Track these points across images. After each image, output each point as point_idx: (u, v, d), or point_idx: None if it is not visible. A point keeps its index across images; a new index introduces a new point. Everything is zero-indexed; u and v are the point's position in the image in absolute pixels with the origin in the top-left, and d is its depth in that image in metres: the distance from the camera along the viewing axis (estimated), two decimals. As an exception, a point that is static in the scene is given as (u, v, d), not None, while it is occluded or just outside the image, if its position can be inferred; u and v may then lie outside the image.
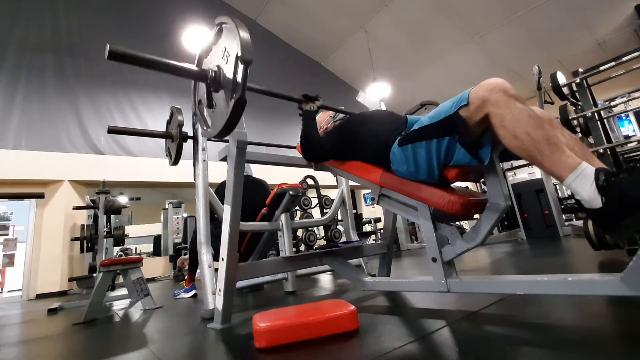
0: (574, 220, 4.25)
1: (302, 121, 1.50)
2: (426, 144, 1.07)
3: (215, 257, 1.68)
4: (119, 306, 2.52)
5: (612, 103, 3.64)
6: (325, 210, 3.96)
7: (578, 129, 2.48)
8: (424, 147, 1.08)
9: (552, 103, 3.03)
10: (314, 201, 4.14)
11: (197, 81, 1.23)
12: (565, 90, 2.64)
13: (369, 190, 1.42)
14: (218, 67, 1.09)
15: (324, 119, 1.77)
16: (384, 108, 2.53)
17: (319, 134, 1.55)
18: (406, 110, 2.12)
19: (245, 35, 0.98)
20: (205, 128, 1.22)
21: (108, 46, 0.94)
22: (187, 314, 1.88)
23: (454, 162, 1.03)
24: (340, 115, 1.76)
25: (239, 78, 0.98)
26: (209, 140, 2.11)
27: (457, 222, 4.78)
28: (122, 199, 7.66)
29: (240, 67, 0.97)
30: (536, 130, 0.82)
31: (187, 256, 6.02)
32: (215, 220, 2.19)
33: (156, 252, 7.46)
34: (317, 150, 1.48)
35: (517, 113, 0.84)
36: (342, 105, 1.84)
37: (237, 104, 1.00)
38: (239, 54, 0.96)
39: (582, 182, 0.77)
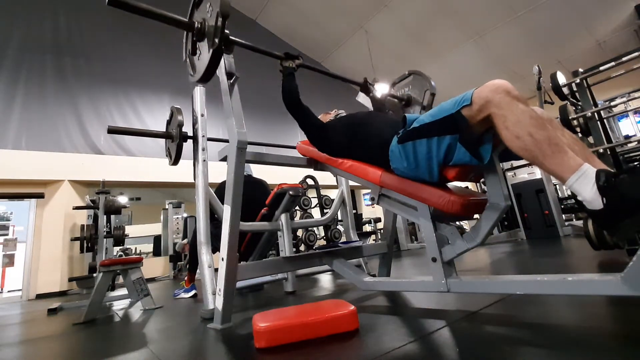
0: (574, 220, 4.25)
1: (282, 76, 1.61)
2: (427, 141, 1.07)
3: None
4: (119, 306, 2.52)
5: (612, 103, 3.65)
6: (325, 210, 3.96)
7: (578, 129, 2.48)
8: (424, 145, 1.08)
9: (552, 103, 3.04)
10: (314, 201, 4.14)
11: (186, 30, 1.37)
12: (565, 90, 2.65)
13: (368, 190, 1.42)
14: (203, 19, 1.26)
15: (325, 120, 1.77)
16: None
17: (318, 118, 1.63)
18: (394, 79, 2.16)
19: None
20: (191, 74, 1.39)
21: None
22: (187, 314, 1.88)
23: (454, 161, 1.03)
24: (341, 116, 1.77)
25: (218, 30, 1.15)
26: (209, 140, 2.11)
27: (457, 222, 4.79)
28: (122, 199, 7.67)
29: (219, 20, 1.14)
30: (538, 131, 0.83)
31: (186, 241, 6.04)
32: (215, 220, 2.19)
33: (156, 252, 7.46)
34: (293, 100, 1.58)
35: (520, 114, 0.85)
36: (342, 105, 1.85)
37: (215, 53, 1.19)
38: (218, 10, 1.14)
39: (584, 183, 0.77)
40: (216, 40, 1.16)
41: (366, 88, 2.03)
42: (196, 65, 1.36)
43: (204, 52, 1.26)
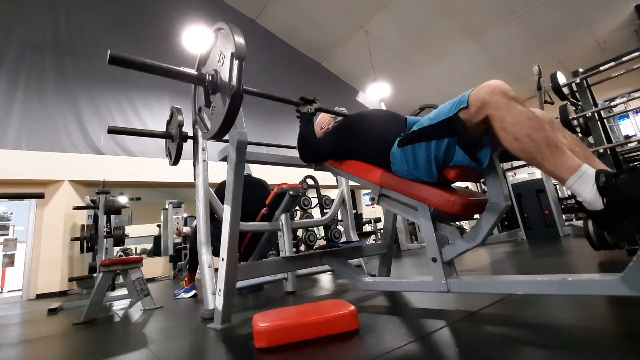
0: (574, 220, 4.25)
1: (300, 124, 1.53)
2: (426, 144, 1.07)
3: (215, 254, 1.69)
4: (119, 306, 2.52)
5: (612, 103, 3.65)
6: (325, 210, 3.96)
7: (578, 129, 2.48)
8: (423, 148, 1.08)
9: (552, 103, 3.04)
10: (314, 201, 4.14)
11: (196, 84, 1.28)
12: (565, 90, 2.65)
13: (369, 190, 1.42)
14: (215, 70, 1.15)
15: (324, 120, 1.77)
16: (383, 108, 2.53)
17: (317, 134, 1.56)
18: (407, 114, 2.14)
19: (239, 36, 1.04)
20: (205, 131, 1.28)
21: (109, 52, 0.98)
22: (187, 314, 1.88)
23: (454, 162, 1.03)
24: (340, 119, 1.76)
25: (235, 73, 1.03)
26: (209, 140, 2.11)
27: (457, 222, 4.79)
28: (122, 199, 7.67)
29: (235, 62, 1.03)
30: (537, 131, 0.82)
31: (187, 228, 6.04)
32: (215, 220, 2.19)
33: (156, 252, 7.46)
34: (314, 153, 1.51)
35: (517, 115, 0.84)
36: (343, 105, 1.84)
37: (234, 99, 1.05)
38: (234, 51, 1.03)
39: (583, 184, 0.77)
40: (234, 87, 1.03)
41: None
42: (209, 119, 1.24)
43: (219, 106, 1.15)
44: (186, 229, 6.14)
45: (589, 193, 0.76)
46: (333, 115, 1.77)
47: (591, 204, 0.76)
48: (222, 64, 1.11)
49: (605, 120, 2.49)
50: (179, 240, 6.23)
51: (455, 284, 1.10)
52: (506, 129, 0.85)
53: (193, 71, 1.19)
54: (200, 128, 1.34)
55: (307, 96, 1.57)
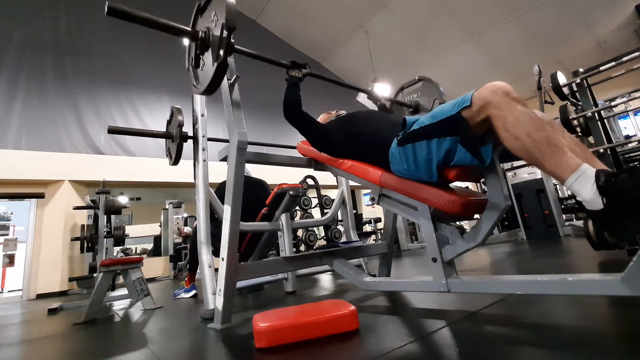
0: (574, 220, 4.25)
1: (287, 86, 1.58)
2: (427, 143, 1.07)
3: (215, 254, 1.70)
4: (119, 306, 2.52)
5: (612, 103, 3.64)
6: (325, 210, 3.96)
7: (578, 129, 2.48)
8: (424, 147, 1.08)
9: (553, 103, 3.04)
10: (314, 201, 4.14)
11: (190, 40, 1.33)
12: (566, 90, 2.65)
13: (369, 190, 1.42)
14: (208, 28, 1.20)
15: (326, 120, 1.77)
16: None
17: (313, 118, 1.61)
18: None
19: (231, 3, 1.08)
20: (195, 84, 1.34)
21: (107, 2, 1.00)
22: (187, 314, 1.88)
23: (455, 162, 1.03)
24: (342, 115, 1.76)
25: (223, 44, 1.09)
26: (209, 140, 2.11)
27: (457, 222, 4.79)
28: (122, 199, 7.67)
29: (225, 33, 1.08)
30: (537, 131, 0.83)
31: (188, 228, 6.04)
32: (215, 220, 2.19)
33: (156, 252, 7.46)
34: (293, 112, 1.54)
35: (519, 115, 0.85)
36: (343, 105, 1.84)
37: (219, 67, 1.13)
38: (224, 22, 1.07)
39: (583, 183, 0.77)
40: (221, 53, 1.09)
41: (373, 96, 2.01)
42: (199, 76, 1.30)
43: (208, 64, 1.19)
44: (187, 229, 6.14)
45: (588, 192, 0.76)
46: (333, 117, 1.78)
47: (591, 204, 0.77)
48: (215, 25, 1.16)
49: (605, 120, 2.49)
50: (179, 240, 6.23)
51: (455, 284, 1.10)
52: (507, 128, 0.86)
53: (188, 28, 1.25)
54: (191, 81, 1.39)
55: (298, 61, 1.62)
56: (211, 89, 1.22)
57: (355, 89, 2.03)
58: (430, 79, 2.09)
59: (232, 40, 1.16)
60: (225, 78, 1.44)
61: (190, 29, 1.24)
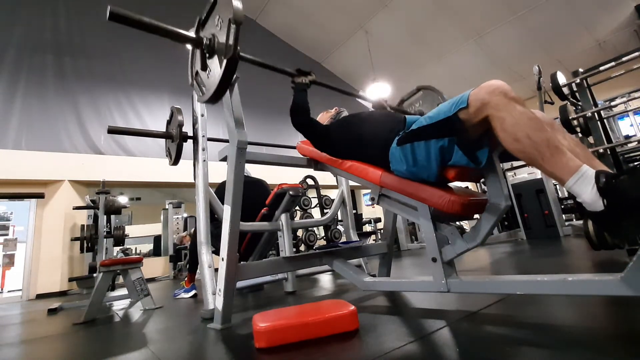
0: (574, 220, 4.25)
1: (294, 93, 1.55)
2: (425, 143, 1.07)
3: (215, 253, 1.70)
4: (119, 306, 2.52)
5: (612, 103, 3.64)
6: (325, 210, 3.96)
7: (578, 129, 2.47)
8: (422, 147, 1.08)
9: (552, 103, 3.03)
10: (314, 201, 4.14)
11: (194, 47, 1.30)
12: (566, 90, 2.64)
13: (369, 190, 1.42)
14: (213, 34, 1.17)
15: (324, 120, 1.77)
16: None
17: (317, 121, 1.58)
18: (403, 95, 2.14)
19: (237, 2, 1.05)
20: (201, 94, 1.29)
21: (109, 8, 0.98)
22: (187, 314, 1.88)
23: (452, 162, 1.03)
24: (341, 116, 1.76)
25: (232, 38, 1.05)
26: (209, 140, 2.11)
27: (457, 222, 4.79)
28: (122, 199, 7.67)
29: (233, 27, 1.05)
30: (537, 132, 0.82)
31: (185, 233, 6.03)
32: (215, 220, 2.19)
33: (156, 252, 7.46)
34: (303, 120, 1.52)
35: (517, 116, 0.84)
36: (343, 105, 1.84)
37: (229, 63, 1.08)
38: (231, 17, 1.04)
39: (583, 185, 0.77)
40: (230, 52, 1.05)
41: (380, 106, 1.98)
42: (205, 84, 1.26)
43: (215, 70, 1.16)
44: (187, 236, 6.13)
45: (589, 194, 0.76)
46: (333, 117, 1.78)
47: (591, 205, 0.76)
48: (220, 28, 1.13)
49: (605, 120, 2.49)
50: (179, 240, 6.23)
51: (455, 284, 1.10)
52: (506, 129, 0.85)
53: (191, 34, 1.21)
54: (196, 91, 1.35)
55: (303, 68, 1.60)
56: (218, 95, 1.18)
57: (364, 99, 2.01)
58: (430, 86, 2.08)
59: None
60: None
61: (194, 36, 1.20)
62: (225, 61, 1.08)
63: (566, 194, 4.55)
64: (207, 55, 1.20)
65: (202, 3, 1.24)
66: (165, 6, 6.40)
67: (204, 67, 1.23)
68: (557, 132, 0.98)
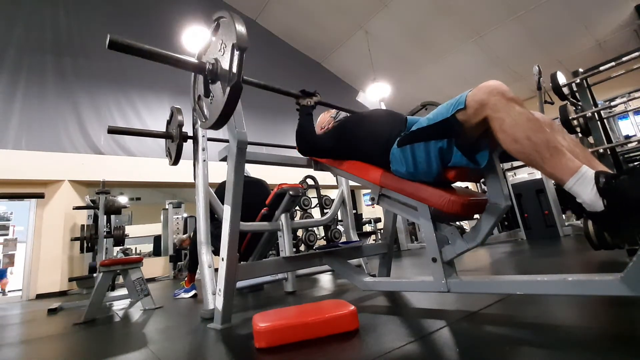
0: (574, 220, 4.25)
1: (299, 116, 1.54)
2: (424, 145, 1.07)
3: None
4: (119, 306, 2.52)
5: (612, 103, 3.64)
6: (325, 210, 3.96)
7: (578, 129, 2.47)
8: (422, 148, 1.08)
9: (552, 103, 3.03)
10: (314, 201, 4.14)
11: (196, 73, 1.27)
12: (565, 90, 2.64)
13: (369, 190, 1.42)
14: (215, 59, 1.14)
15: (325, 120, 1.77)
16: (383, 107, 2.53)
17: (318, 133, 1.56)
18: (407, 112, 2.13)
19: (241, 26, 1.03)
20: (203, 120, 1.27)
21: (108, 36, 0.96)
22: (187, 314, 1.88)
23: (452, 163, 1.03)
24: (342, 115, 1.76)
25: (235, 64, 1.02)
26: (209, 140, 2.11)
27: (457, 222, 4.79)
28: (122, 199, 7.66)
29: (236, 53, 1.02)
30: (536, 133, 0.82)
31: (185, 236, 6.04)
32: (215, 220, 2.19)
33: (156, 252, 7.46)
34: (312, 146, 1.52)
35: (516, 116, 0.84)
36: (342, 104, 1.84)
37: (233, 90, 1.04)
38: (235, 42, 1.01)
39: (583, 185, 0.76)
40: (234, 79, 1.02)
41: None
42: (208, 109, 1.22)
43: (218, 96, 1.13)
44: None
45: (589, 194, 0.76)
46: (333, 116, 1.77)
47: (591, 205, 0.76)
48: (223, 53, 1.10)
49: (605, 120, 2.49)
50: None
51: (455, 284, 1.10)
52: (505, 130, 0.85)
53: (193, 59, 1.18)
54: (198, 117, 1.33)
55: (307, 89, 1.59)
56: (221, 121, 1.14)
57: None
58: (434, 102, 2.08)
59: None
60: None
61: (196, 61, 1.17)
62: (228, 88, 1.04)
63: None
64: (210, 81, 1.16)
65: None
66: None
67: (207, 93, 1.19)
68: (557, 132, 0.98)
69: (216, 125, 1.17)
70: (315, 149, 1.52)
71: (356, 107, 1.91)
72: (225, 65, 1.07)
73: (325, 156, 1.56)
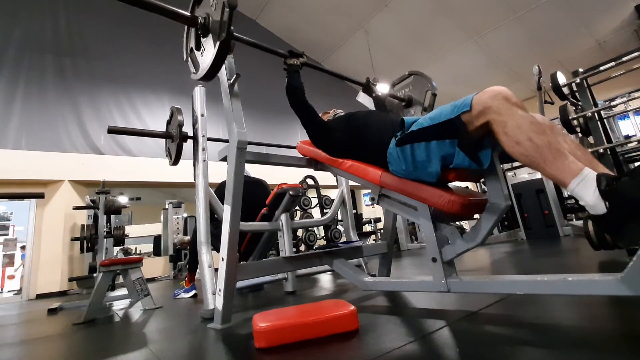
0: (574, 220, 4.25)
1: (287, 75, 1.58)
2: (425, 145, 1.07)
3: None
4: (119, 306, 2.52)
5: (612, 103, 3.64)
6: (325, 210, 3.96)
7: (578, 129, 2.47)
8: (422, 148, 1.08)
9: (552, 103, 3.03)
10: (314, 201, 4.14)
11: (189, 26, 1.33)
12: (565, 90, 2.64)
13: (368, 190, 1.42)
14: (207, 14, 1.21)
15: (325, 119, 1.77)
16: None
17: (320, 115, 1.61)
18: (394, 84, 2.16)
19: None
20: (194, 71, 1.32)
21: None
22: (187, 314, 1.88)
23: (454, 165, 1.03)
24: (341, 115, 1.77)
25: (225, 20, 1.09)
26: (209, 140, 2.11)
27: (457, 222, 4.79)
28: (122, 199, 7.65)
29: (226, 11, 1.09)
30: (538, 136, 0.82)
31: (188, 237, 6.03)
32: (215, 220, 2.19)
33: (156, 252, 7.46)
34: (299, 98, 1.54)
35: (519, 119, 0.85)
36: (343, 105, 1.85)
37: (222, 45, 1.13)
38: (225, 1, 1.09)
39: (585, 188, 0.77)
40: (223, 34, 1.09)
41: (369, 88, 2.02)
42: (199, 62, 1.30)
43: (209, 48, 1.21)
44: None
45: (591, 197, 0.76)
46: (330, 117, 1.79)
47: (594, 208, 0.76)
48: (214, 9, 1.16)
49: (605, 120, 2.49)
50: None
51: (455, 284, 1.10)
52: (507, 133, 0.85)
53: (187, 12, 1.24)
54: (190, 68, 1.38)
55: (295, 50, 1.63)
56: (211, 73, 1.22)
57: (350, 81, 2.04)
58: (421, 72, 2.10)
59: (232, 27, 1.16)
60: (225, 77, 1.45)
61: (189, 15, 1.23)
62: (218, 42, 1.12)
63: (566, 194, 4.55)
64: (202, 34, 1.23)
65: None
66: None
67: (198, 46, 1.27)
68: (558, 135, 0.98)
69: (206, 77, 1.24)
70: (304, 103, 1.54)
71: (356, 108, 1.92)
72: (216, 18, 1.14)
73: (316, 129, 1.56)
